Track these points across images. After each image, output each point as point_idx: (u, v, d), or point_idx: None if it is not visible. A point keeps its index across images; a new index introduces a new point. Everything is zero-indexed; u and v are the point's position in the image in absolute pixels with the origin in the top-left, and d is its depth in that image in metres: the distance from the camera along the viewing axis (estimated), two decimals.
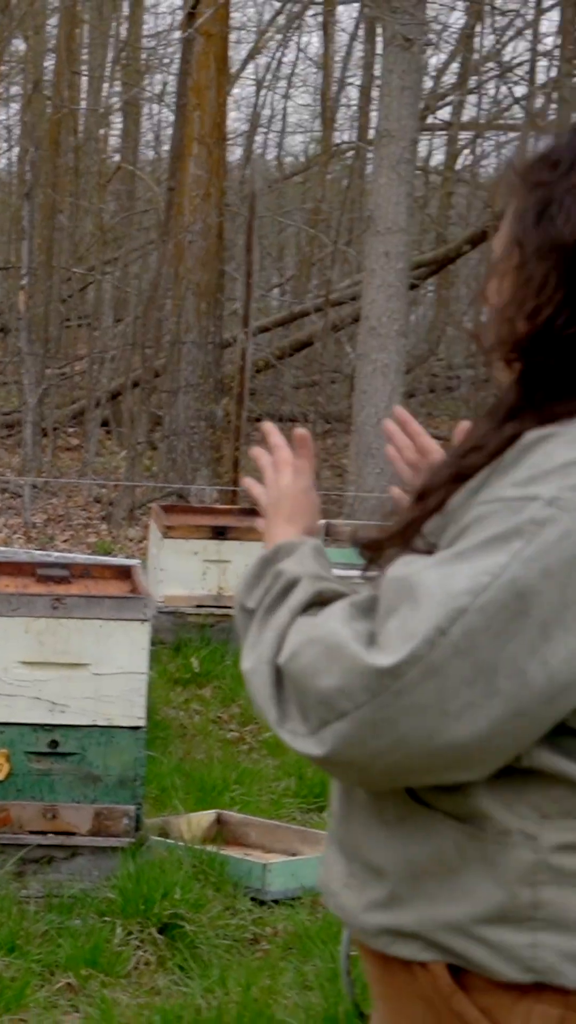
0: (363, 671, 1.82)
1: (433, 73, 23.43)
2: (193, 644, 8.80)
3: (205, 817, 6.06)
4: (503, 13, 20.55)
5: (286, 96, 25.34)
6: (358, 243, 21.19)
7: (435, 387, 20.42)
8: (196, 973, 4.78)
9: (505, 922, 1.92)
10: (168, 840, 5.70)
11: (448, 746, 1.84)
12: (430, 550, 1.96)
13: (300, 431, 2.28)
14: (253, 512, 9.44)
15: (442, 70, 23.49)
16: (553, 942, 1.91)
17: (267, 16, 23.49)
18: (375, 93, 22.46)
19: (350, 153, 23.86)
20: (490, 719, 1.83)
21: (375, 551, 2.08)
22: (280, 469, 2.28)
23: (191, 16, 10.65)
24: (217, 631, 9.01)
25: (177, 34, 17.43)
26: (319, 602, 1.98)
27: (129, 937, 4.97)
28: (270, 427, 2.37)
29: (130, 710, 5.41)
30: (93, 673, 5.38)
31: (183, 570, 8.99)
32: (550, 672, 1.82)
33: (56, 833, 5.37)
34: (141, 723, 5.40)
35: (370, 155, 22.62)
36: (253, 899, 5.48)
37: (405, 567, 1.88)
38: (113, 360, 17.31)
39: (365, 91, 23.56)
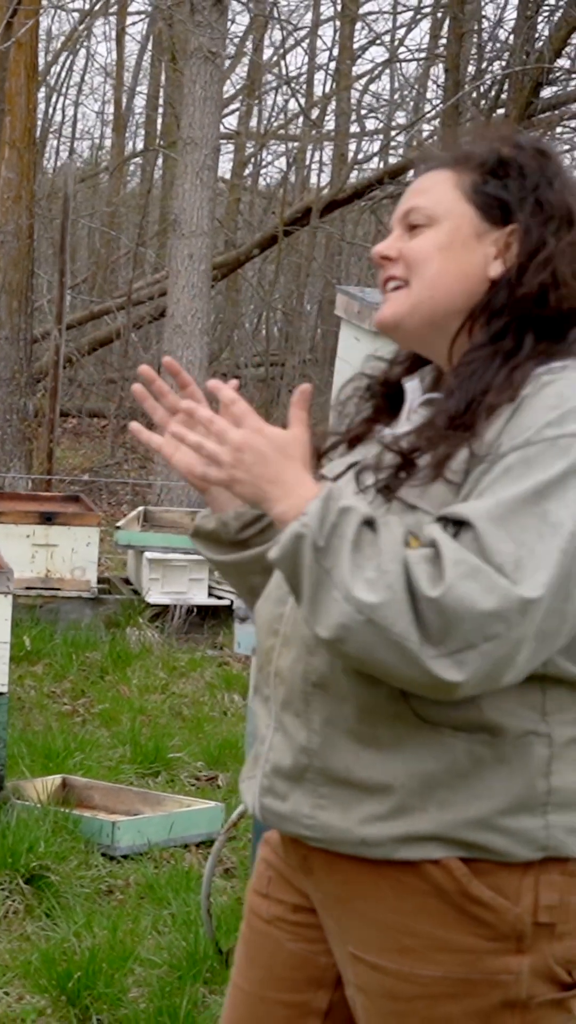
0: (518, 600, 2.01)
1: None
2: (24, 624, 8.90)
3: (52, 781, 6.21)
4: (285, 25, 20.86)
5: (76, 102, 25.47)
6: (152, 245, 21.36)
7: None
8: (63, 919, 4.97)
9: (523, 810, 2.17)
10: (23, 802, 5.86)
11: (549, 651, 2.10)
12: (454, 481, 2.16)
13: (304, 386, 2.24)
14: (76, 499, 9.44)
15: (222, 78, 23.69)
16: (562, 821, 2.18)
17: (57, 25, 23.56)
18: (161, 100, 22.84)
19: (139, 160, 24.05)
20: (571, 616, 2.09)
21: (407, 468, 2.23)
22: (252, 416, 2.22)
23: (8, 26, 10.78)
24: (45, 611, 9.13)
25: None
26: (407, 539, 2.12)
27: None
28: (217, 384, 2.25)
29: None
30: None
31: (13, 553, 9.05)
32: None
33: None
34: (3, 689, 5.56)
35: (159, 162, 22.87)
36: (104, 854, 5.66)
37: (495, 507, 2.07)
38: None
39: (152, 100, 23.78)
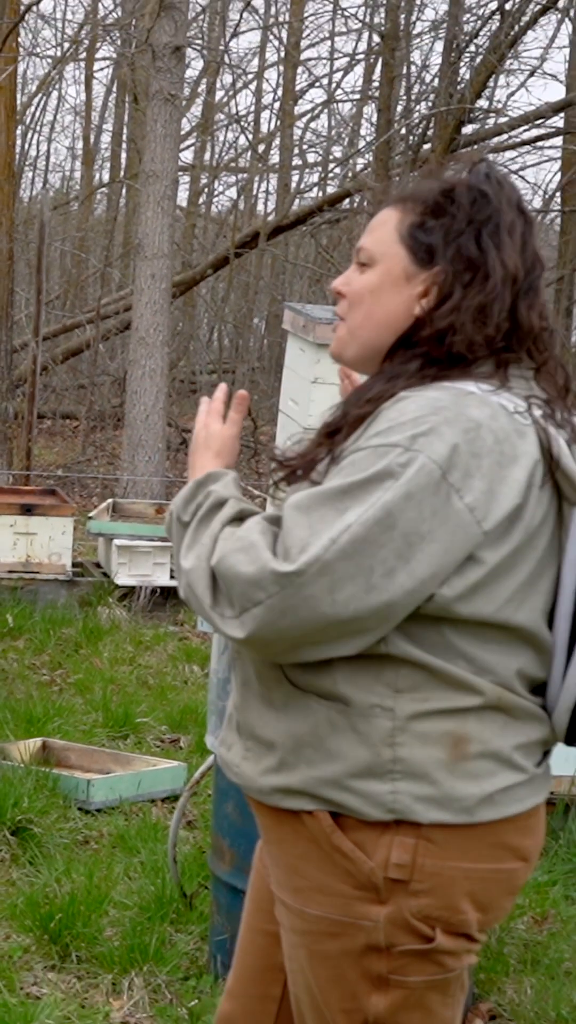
0: (272, 572, 2.05)
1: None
2: (7, 603, 8.86)
3: (33, 744, 6.19)
4: (235, 69, 20.79)
5: (50, 139, 25.28)
6: (117, 265, 21.27)
7: (181, 391, 20.59)
8: (44, 867, 4.95)
9: (371, 775, 2.17)
10: (8, 762, 5.83)
11: (336, 623, 2.08)
12: (318, 482, 2.20)
13: (241, 392, 2.39)
14: (52, 493, 9.42)
15: (180, 117, 23.51)
16: (408, 789, 2.17)
17: (32, 70, 23.43)
18: (124, 136, 22.78)
19: (106, 190, 23.93)
20: (368, 605, 2.07)
21: (287, 473, 2.30)
22: (212, 416, 2.42)
23: None
24: (26, 592, 9.08)
25: None
26: (240, 518, 2.20)
27: None
28: (222, 386, 2.51)
29: None
30: None
31: None
32: (410, 570, 2.08)
33: None
34: None
35: (124, 192, 22.78)
36: (80, 809, 5.65)
37: (305, 498, 2.11)
38: None
39: (117, 137, 23.66)
